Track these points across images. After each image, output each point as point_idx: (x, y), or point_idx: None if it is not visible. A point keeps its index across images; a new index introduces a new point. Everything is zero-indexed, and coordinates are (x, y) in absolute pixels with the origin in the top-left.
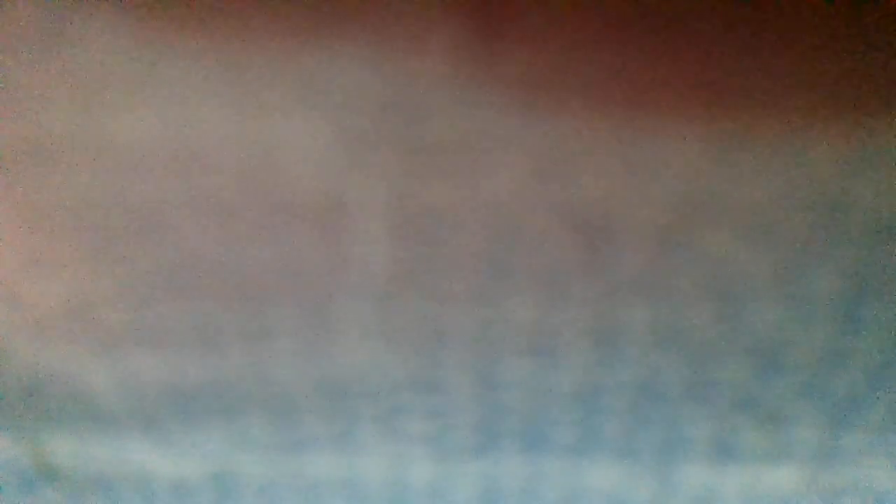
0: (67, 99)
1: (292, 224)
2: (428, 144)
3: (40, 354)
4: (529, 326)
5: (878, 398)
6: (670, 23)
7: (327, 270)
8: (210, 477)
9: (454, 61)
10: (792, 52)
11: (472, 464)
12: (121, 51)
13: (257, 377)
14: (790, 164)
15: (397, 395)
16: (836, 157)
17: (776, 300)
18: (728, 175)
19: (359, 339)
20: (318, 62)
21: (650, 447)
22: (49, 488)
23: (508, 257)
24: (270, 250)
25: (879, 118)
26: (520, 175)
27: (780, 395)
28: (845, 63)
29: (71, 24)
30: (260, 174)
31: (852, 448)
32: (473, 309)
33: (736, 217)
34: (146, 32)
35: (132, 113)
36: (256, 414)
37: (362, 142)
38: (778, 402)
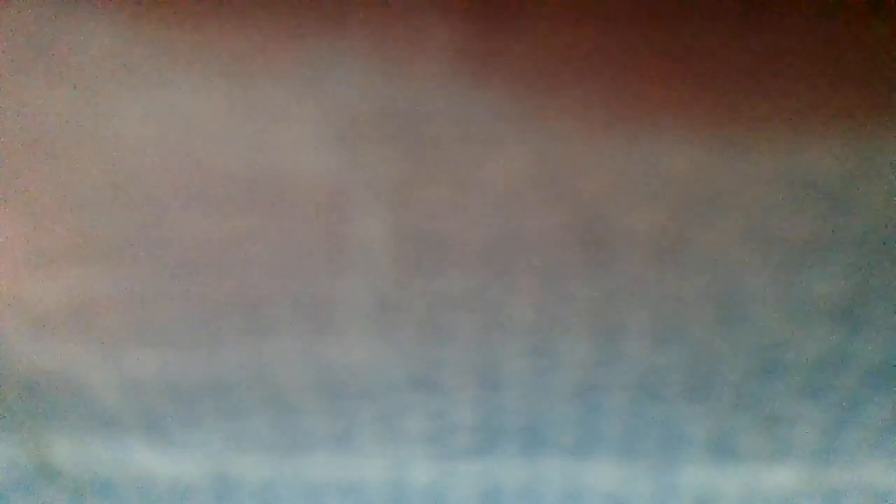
0: (67, 98)
1: (292, 223)
2: (428, 144)
3: (40, 354)
4: (529, 326)
5: (878, 398)
6: (670, 23)
7: (327, 269)
8: (210, 477)
9: (454, 61)
10: (792, 53)
11: (472, 464)
12: (121, 51)
13: (257, 377)
14: (790, 164)
15: (397, 395)
16: (836, 157)
17: (776, 300)
18: (728, 175)
19: (359, 338)
20: (318, 62)
21: (650, 447)
22: (49, 488)
23: (509, 257)
24: (270, 250)
25: (879, 118)
26: (520, 175)
27: (780, 395)
28: (845, 64)
29: (71, 24)
30: (260, 173)
31: (852, 448)
32: (473, 309)
33: (736, 217)
34: (146, 32)
35: (132, 112)
36: (256, 414)
37: (362, 141)
38: (778, 402)
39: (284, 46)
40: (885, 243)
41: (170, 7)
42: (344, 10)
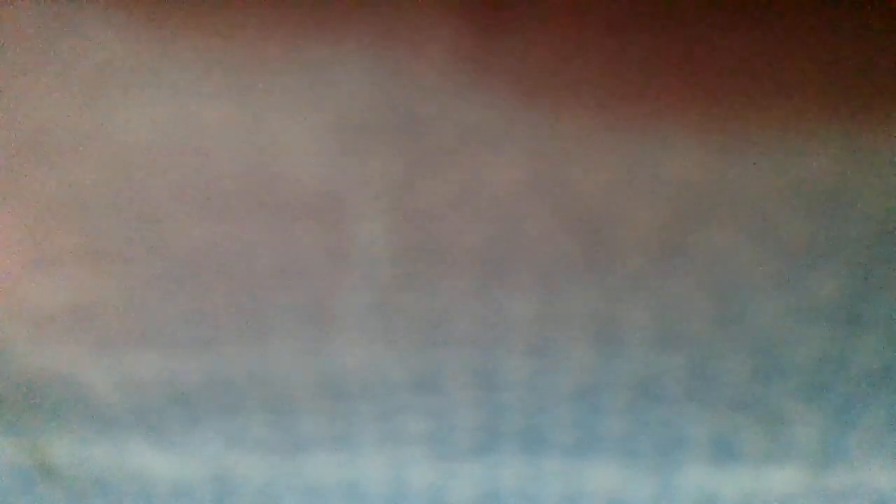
0: (67, 98)
1: (292, 223)
2: (428, 144)
3: (40, 354)
4: (529, 326)
5: (878, 399)
6: (670, 23)
7: (327, 269)
8: (210, 477)
9: (454, 61)
10: (791, 52)
11: (472, 464)
12: (121, 50)
13: (257, 377)
14: (790, 164)
15: (397, 395)
16: (836, 157)
17: (776, 300)
18: (728, 175)
19: (359, 339)
20: (317, 62)
21: (650, 447)
22: (49, 488)
23: (508, 256)
24: (270, 249)
25: (879, 118)
26: (519, 174)
27: (780, 395)
28: (845, 63)
29: (71, 24)
30: (260, 173)
31: (852, 448)
32: (473, 308)
33: (736, 217)
34: (146, 32)
35: (132, 113)
36: (256, 414)
37: (362, 141)
38: (778, 402)
39: (285, 49)
40: (884, 243)
41: (170, 9)
42: (344, 11)
